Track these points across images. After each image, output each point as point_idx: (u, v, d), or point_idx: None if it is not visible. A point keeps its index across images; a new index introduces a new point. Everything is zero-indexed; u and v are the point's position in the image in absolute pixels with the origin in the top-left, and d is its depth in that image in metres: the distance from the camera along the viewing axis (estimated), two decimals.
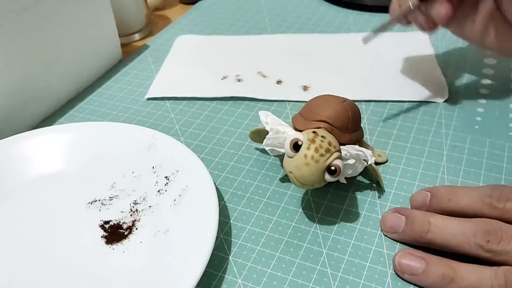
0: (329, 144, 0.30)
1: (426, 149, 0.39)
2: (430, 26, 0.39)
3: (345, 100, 0.35)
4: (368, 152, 0.32)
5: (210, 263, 0.30)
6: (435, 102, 0.44)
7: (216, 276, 0.30)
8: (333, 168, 0.30)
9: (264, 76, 0.49)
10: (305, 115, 0.35)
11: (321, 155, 0.30)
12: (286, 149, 0.31)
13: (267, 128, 0.35)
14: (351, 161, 0.32)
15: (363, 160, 0.33)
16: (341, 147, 0.32)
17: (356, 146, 0.33)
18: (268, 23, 0.60)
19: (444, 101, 0.44)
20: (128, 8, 0.57)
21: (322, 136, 0.30)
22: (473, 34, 0.37)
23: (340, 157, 0.30)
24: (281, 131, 0.34)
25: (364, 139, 0.37)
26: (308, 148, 0.30)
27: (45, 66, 0.44)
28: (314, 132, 0.31)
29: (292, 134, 0.31)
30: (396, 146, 0.39)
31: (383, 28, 0.38)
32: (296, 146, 0.30)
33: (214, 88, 0.47)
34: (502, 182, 0.36)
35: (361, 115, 0.36)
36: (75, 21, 0.46)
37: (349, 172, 0.33)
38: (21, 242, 0.33)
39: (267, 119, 0.35)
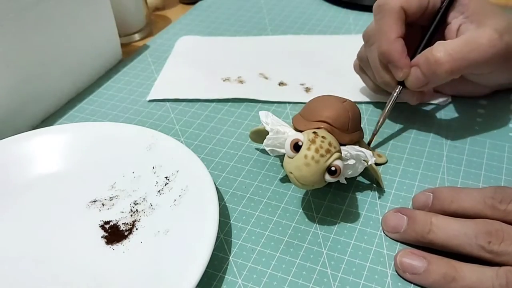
0: (330, 144, 0.30)
1: (426, 149, 0.39)
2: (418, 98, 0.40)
3: (345, 100, 0.35)
4: (368, 152, 0.32)
5: (210, 264, 0.30)
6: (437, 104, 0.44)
7: (216, 276, 0.30)
8: (333, 168, 0.30)
9: (266, 78, 0.49)
10: (306, 116, 0.35)
11: (322, 155, 0.30)
12: (287, 149, 0.31)
13: (267, 128, 0.35)
14: (351, 162, 0.32)
15: (363, 160, 0.33)
16: (341, 147, 0.32)
17: (356, 147, 0.33)
18: (268, 23, 0.60)
19: None
20: (128, 8, 0.56)
21: (323, 137, 0.30)
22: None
23: (340, 158, 0.30)
24: (281, 132, 0.34)
25: (364, 139, 0.37)
26: (309, 149, 0.30)
27: (45, 66, 0.44)
28: (314, 132, 0.31)
29: (292, 135, 0.31)
30: (396, 146, 0.39)
31: (380, 125, 0.38)
32: (296, 147, 0.30)
33: (216, 89, 0.47)
34: (502, 183, 0.36)
35: (361, 116, 0.36)
36: (75, 21, 0.46)
37: (349, 173, 0.33)
38: (21, 242, 0.33)
39: (267, 119, 0.35)
